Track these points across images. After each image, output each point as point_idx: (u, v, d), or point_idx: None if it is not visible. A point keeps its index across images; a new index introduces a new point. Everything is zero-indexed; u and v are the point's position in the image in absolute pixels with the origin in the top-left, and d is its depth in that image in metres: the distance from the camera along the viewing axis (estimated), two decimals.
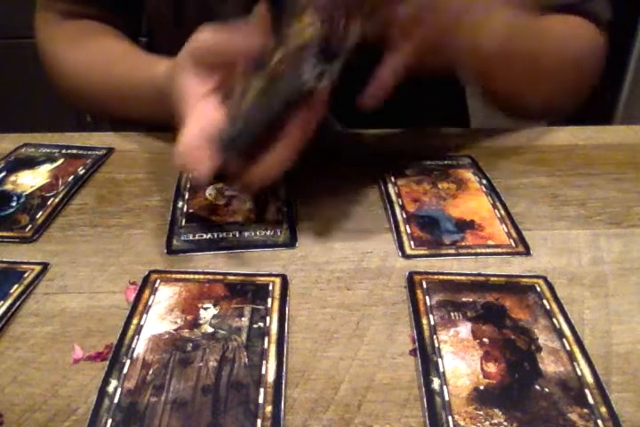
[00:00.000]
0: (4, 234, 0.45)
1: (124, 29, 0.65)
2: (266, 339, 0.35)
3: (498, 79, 0.54)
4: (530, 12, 0.52)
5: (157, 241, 0.44)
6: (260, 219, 0.47)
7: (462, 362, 0.34)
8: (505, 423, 0.30)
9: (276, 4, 0.40)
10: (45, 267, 0.42)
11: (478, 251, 0.43)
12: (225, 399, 0.31)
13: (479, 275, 0.41)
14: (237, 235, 0.45)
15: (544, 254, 0.43)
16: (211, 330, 0.36)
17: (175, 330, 0.36)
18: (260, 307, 0.37)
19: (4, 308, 0.38)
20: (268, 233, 0.45)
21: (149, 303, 0.38)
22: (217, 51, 0.42)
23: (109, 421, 0.30)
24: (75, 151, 0.57)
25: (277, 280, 0.40)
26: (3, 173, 0.53)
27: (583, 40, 0.59)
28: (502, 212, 0.48)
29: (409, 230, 0.45)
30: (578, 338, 0.35)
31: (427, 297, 0.38)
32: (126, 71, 0.57)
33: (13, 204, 0.49)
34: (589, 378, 0.33)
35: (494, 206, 0.48)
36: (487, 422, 0.30)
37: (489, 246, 0.44)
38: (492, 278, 0.40)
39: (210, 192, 0.50)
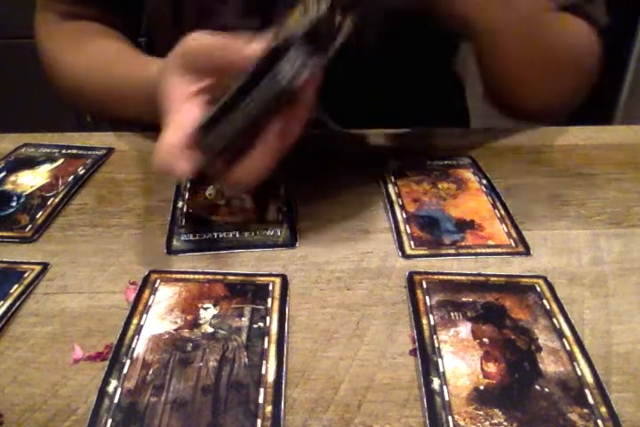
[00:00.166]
0: (4, 234, 0.45)
1: (123, 30, 0.65)
2: (266, 339, 0.35)
3: (499, 55, 0.54)
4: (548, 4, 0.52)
5: (157, 241, 0.44)
6: (260, 219, 0.47)
7: (462, 362, 0.34)
8: (505, 423, 0.30)
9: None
10: (45, 267, 0.42)
11: (478, 251, 0.43)
12: (225, 399, 0.31)
13: (479, 275, 0.41)
14: (237, 235, 0.45)
15: (544, 254, 0.43)
16: (211, 330, 0.36)
17: (175, 330, 0.36)
18: (260, 307, 0.37)
19: (3, 308, 0.38)
20: (268, 233, 0.45)
21: (149, 303, 0.38)
22: (210, 55, 0.41)
23: (109, 421, 0.30)
24: (75, 151, 0.57)
25: (277, 280, 0.40)
26: (3, 173, 0.53)
27: (583, 39, 0.58)
28: (502, 212, 0.48)
29: (409, 230, 0.45)
30: (578, 338, 0.35)
31: (427, 297, 0.38)
32: (124, 72, 0.57)
33: (13, 204, 0.49)
34: (589, 378, 0.33)
35: (494, 206, 0.48)
36: (487, 423, 0.30)
37: (489, 246, 0.44)
38: (491, 278, 0.40)
39: (210, 192, 0.50)
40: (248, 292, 0.39)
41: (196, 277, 0.40)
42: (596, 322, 0.37)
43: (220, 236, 0.45)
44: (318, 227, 0.46)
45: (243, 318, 0.36)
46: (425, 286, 0.39)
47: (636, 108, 1.55)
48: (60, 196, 0.50)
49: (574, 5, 0.58)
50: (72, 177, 0.53)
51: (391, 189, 0.51)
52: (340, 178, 0.53)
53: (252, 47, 0.38)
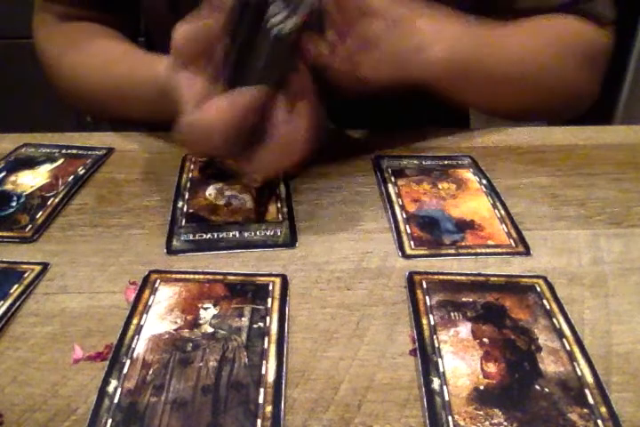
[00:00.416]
0: (4, 234, 0.45)
1: (123, 31, 0.65)
2: (266, 339, 0.35)
3: (464, 92, 0.54)
4: (486, 23, 0.52)
5: (157, 241, 0.44)
6: (260, 219, 0.47)
7: (462, 362, 0.34)
8: (505, 423, 0.30)
9: None
10: (45, 267, 0.42)
11: (478, 251, 0.43)
12: (225, 399, 0.31)
13: (479, 275, 0.41)
14: (237, 235, 0.45)
15: (544, 254, 0.43)
16: (211, 330, 0.36)
17: (175, 330, 0.36)
18: (260, 307, 0.37)
19: (3, 308, 0.38)
20: (268, 233, 0.45)
21: (149, 303, 0.38)
22: (195, 38, 0.41)
23: (109, 421, 0.30)
24: (75, 151, 0.57)
25: (277, 280, 0.40)
26: (3, 173, 0.53)
27: (577, 39, 0.58)
28: (502, 212, 0.48)
29: (409, 230, 0.45)
30: (578, 338, 0.35)
31: (427, 297, 0.38)
32: (127, 71, 0.57)
33: (13, 204, 0.49)
34: (589, 378, 0.33)
35: (494, 206, 0.48)
36: (487, 423, 0.30)
37: (489, 246, 0.44)
38: (491, 278, 0.40)
39: (210, 192, 0.50)
40: (248, 292, 0.39)
41: (196, 277, 0.40)
42: (595, 322, 0.37)
43: (220, 236, 0.45)
44: (318, 227, 0.46)
45: (243, 318, 0.36)
46: (425, 286, 0.39)
47: (636, 108, 1.55)
48: (60, 196, 0.50)
49: (570, 5, 0.58)
50: (72, 177, 0.53)
51: (391, 189, 0.51)
52: (340, 178, 0.53)
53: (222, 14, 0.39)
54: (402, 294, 0.39)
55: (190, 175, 0.53)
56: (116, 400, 0.31)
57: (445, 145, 0.59)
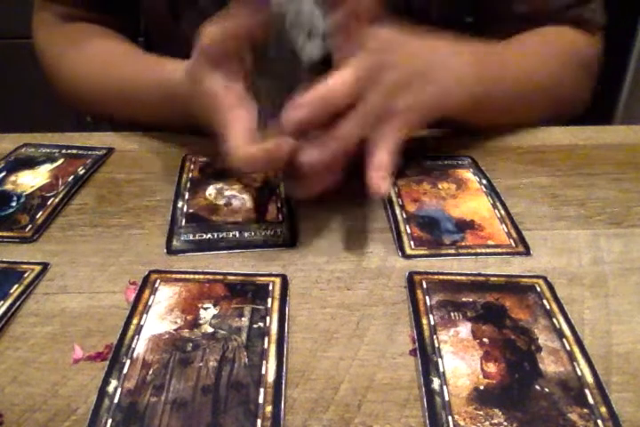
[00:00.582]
0: (4, 234, 0.45)
1: (122, 31, 0.65)
2: (266, 339, 0.35)
3: (481, 118, 0.55)
4: (487, 46, 0.53)
5: (157, 241, 0.44)
6: (260, 219, 0.47)
7: (462, 362, 0.34)
8: (505, 423, 0.30)
9: None
10: (45, 267, 0.42)
11: (478, 251, 0.43)
12: (225, 399, 0.31)
13: (479, 275, 0.41)
14: (237, 235, 0.45)
15: (544, 254, 0.43)
16: (211, 330, 0.36)
17: (175, 330, 0.36)
18: (260, 307, 0.37)
19: (3, 308, 0.38)
20: (268, 233, 0.45)
21: (149, 303, 0.38)
22: (225, 39, 0.41)
23: (109, 421, 0.30)
24: (75, 151, 0.57)
25: (277, 280, 0.40)
26: (3, 173, 0.53)
27: (572, 49, 0.59)
28: (502, 212, 0.48)
29: (409, 230, 0.45)
30: (578, 338, 0.35)
31: (427, 297, 0.38)
32: (129, 73, 0.56)
33: (13, 204, 0.49)
34: (589, 378, 0.33)
35: (494, 206, 0.48)
36: (487, 423, 0.30)
37: (489, 246, 0.44)
38: (491, 278, 0.40)
39: (210, 192, 0.50)
40: (248, 292, 0.39)
41: (196, 277, 0.40)
42: (595, 322, 0.37)
43: (220, 236, 0.45)
44: (318, 227, 0.46)
45: (243, 318, 0.36)
46: (425, 285, 0.39)
47: (636, 108, 1.55)
48: (60, 196, 0.50)
49: (560, 10, 0.58)
50: (72, 177, 0.53)
51: (391, 188, 0.51)
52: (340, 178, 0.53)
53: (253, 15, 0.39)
54: (402, 294, 0.39)
55: (190, 175, 0.53)
56: (115, 400, 0.31)
57: (445, 145, 0.59)
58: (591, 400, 0.31)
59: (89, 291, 0.40)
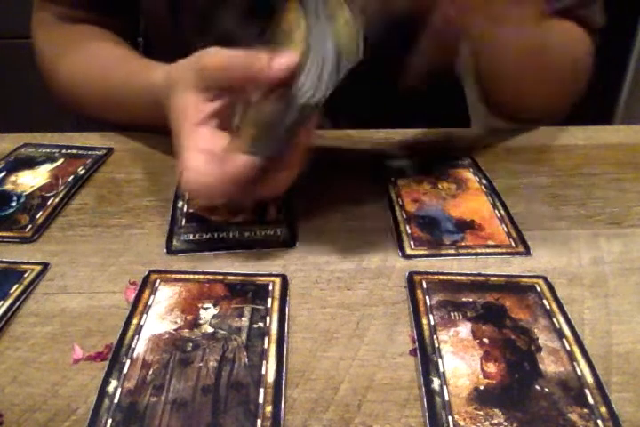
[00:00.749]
0: (4, 234, 0.45)
1: (121, 33, 0.65)
2: (266, 339, 0.35)
3: (505, 77, 0.54)
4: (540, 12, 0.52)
5: (157, 241, 0.44)
6: (260, 219, 0.47)
7: (462, 362, 0.34)
8: (505, 423, 0.30)
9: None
10: (45, 267, 0.42)
11: (478, 251, 0.43)
12: (225, 399, 0.31)
13: (479, 275, 0.41)
14: (237, 235, 0.45)
15: (544, 254, 0.43)
16: (211, 330, 0.36)
17: (175, 330, 0.36)
18: (260, 307, 0.37)
19: (3, 308, 0.38)
20: (268, 233, 0.45)
21: (149, 303, 0.38)
22: (229, 73, 0.40)
23: (109, 421, 0.30)
24: (75, 151, 0.57)
25: (277, 280, 0.40)
26: (3, 173, 0.53)
27: (577, 45, 0.59)
28: (502, 212, 0.48)
29: (409, 230, 0.45)
30: (578, 338, 0.35)
31: (427, 297, 0.38)
32: (123, 77, 0.56)
33: (13, 204, 0.49)
34: (589, 378, 0.33)
35: (494, 206, 0.48)
36: (487, 423, 0.30)
37: (489, 246, 0.44)
38: (491, 278, 0.40)
39: None
40: (248, 292, 0.39)
41: (196, 277, 0.40)
42: (596, 322, 0.37)
43: (220, 236, 0.45)
44: (318, 227, 0.46)
45: (243, 318, 0.36)
46: (425, 286, 0.39)
47: (636, 108, 1.55)
48: (60, 196, 0.50)
49: (568, 9, 0.58)
50: (72, 177, 0.53)
51: (391, 188, 0.51)
52: (340, 178, 0.53)
53: (275, 65, 0.37)
54: (402, 294, 0.39)
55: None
56: (116, 400, 0.31)
57: (445, 145, 0.59)
58: (591, 400, 0.31)
59: (89, 291, 0.40)
